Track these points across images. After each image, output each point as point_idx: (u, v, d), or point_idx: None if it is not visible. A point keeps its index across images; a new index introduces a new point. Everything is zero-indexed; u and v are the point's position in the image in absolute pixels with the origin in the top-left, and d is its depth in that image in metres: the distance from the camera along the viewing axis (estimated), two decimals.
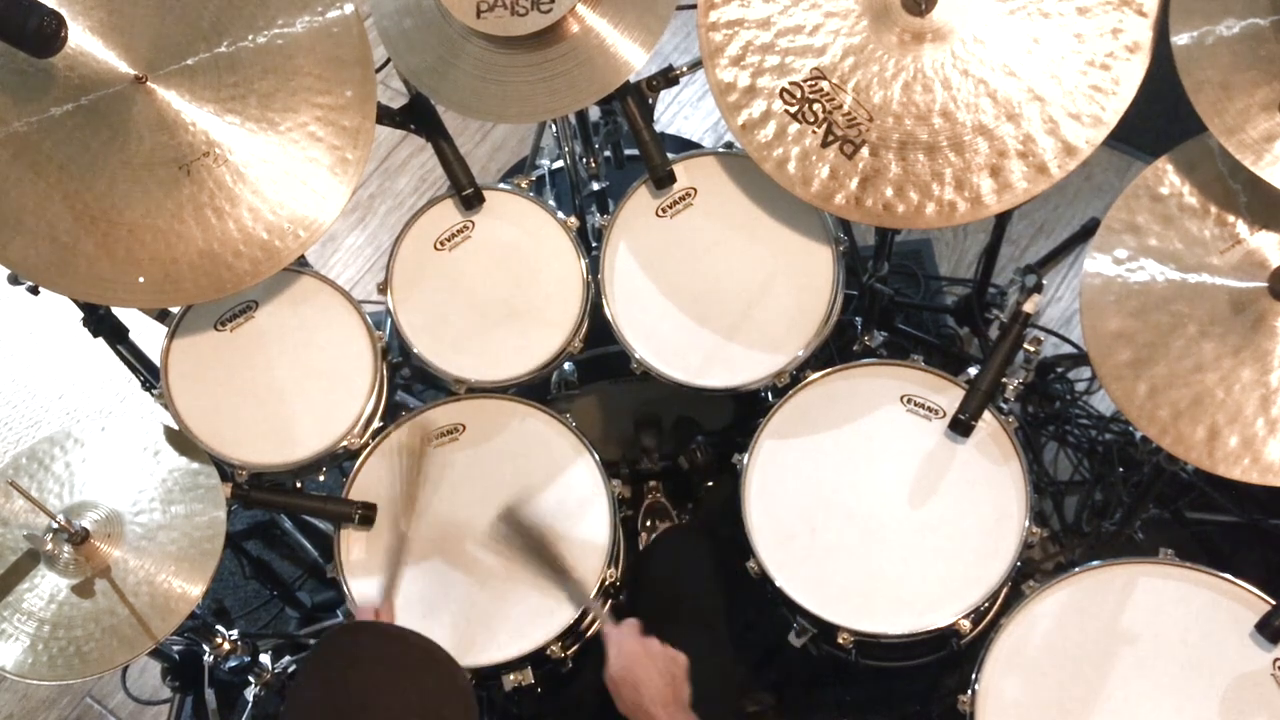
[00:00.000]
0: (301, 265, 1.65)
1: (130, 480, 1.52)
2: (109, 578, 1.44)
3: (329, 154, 1.42)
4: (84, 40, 1.36)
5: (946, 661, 1.47)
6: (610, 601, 1.54)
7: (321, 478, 1.67)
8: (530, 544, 1.44)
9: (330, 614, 2.02)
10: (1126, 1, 1.30)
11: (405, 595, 1.46)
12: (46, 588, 1.45)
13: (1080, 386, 2.10)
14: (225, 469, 1.56)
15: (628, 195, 1.64)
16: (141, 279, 1.39)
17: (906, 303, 2.24)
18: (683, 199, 1.62)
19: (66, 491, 1.52)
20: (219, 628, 1.70)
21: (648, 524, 1.80)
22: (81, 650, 1.41)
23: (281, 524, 2.18)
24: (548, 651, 1.45)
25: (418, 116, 1.64)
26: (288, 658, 1.81)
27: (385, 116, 1.57)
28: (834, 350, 1.78)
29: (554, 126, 1.95)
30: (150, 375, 1.80)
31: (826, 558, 1.42)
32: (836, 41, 1.38)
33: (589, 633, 1.51)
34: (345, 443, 1.56)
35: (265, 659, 1.78)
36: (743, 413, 1.89)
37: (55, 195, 1.37)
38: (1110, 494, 1.96)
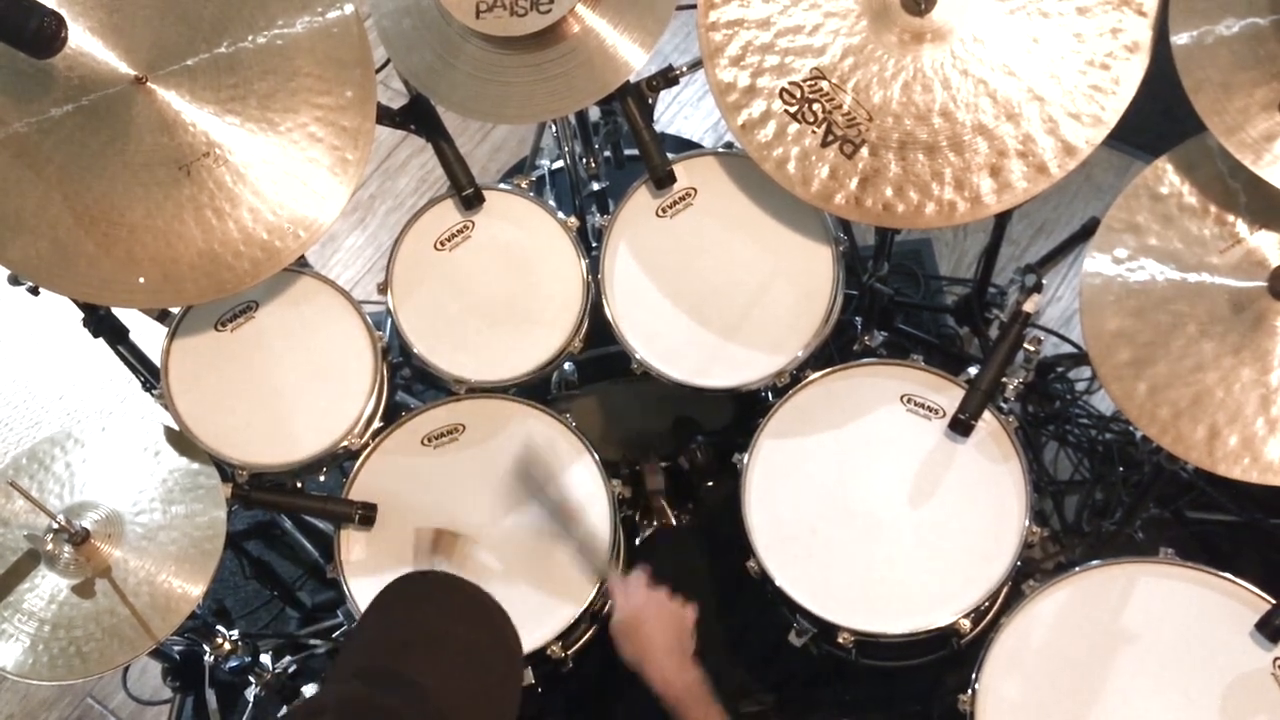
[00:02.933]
0: (301, 265, 1.65)
1: (130, 480, 1.52)
2: (109, 578, 1.44)
3: (329, 154, 1.42)
4: (84, 41, 1.36)
5: (946, 661, 1.47)
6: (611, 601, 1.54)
7: (322, 478, 1.67)
8: (541, 497, 1.43)
9: (330, 614, 2.02)
10: (1126, 1, 1.30)
11: None
12: (47, 588, 1.45)
13: (1080, 386, 2.10)
14: (225, 469, 1.56)
15: (628, 195, 1.64)
16: (141, 279, 1.39)
17: (906, 303, 2.23)
18: (683, 199, 1.62)
19: (67, 492, 1.52)
20: (219, 628, 1.70)
21: (647, 524, 1.80)
22: (82, 650, 1.41)
23: (282, 524, 2.18)
24: (548, 651, 1.45)
25: (418, 117, 1.64)
26: (288, 658, 1.82)
27: (385, 117, 1.57)
28: (834, 350, 1.78)
29: (554, 126, 1.95)
30: (150, 375, 1.80)
31: (826, 558, 1.42)
32: (836, 41, 1.38)
33: (589, 633, 1.52)
34: (345, 443, 1.56)
35: (266, 659, 1.78)
36: (743, 413, 1.89)
37: (55, 195, 1.37)
38: (1110, 494, 1.96)
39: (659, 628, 1.28)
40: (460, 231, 1.65)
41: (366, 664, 1.10)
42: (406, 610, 1.18)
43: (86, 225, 1.38)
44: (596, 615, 1.52)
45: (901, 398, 1.50)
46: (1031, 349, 1.46)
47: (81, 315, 1.65)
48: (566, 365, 1.85)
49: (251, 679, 1.77)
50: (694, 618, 1.30)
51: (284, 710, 1.80)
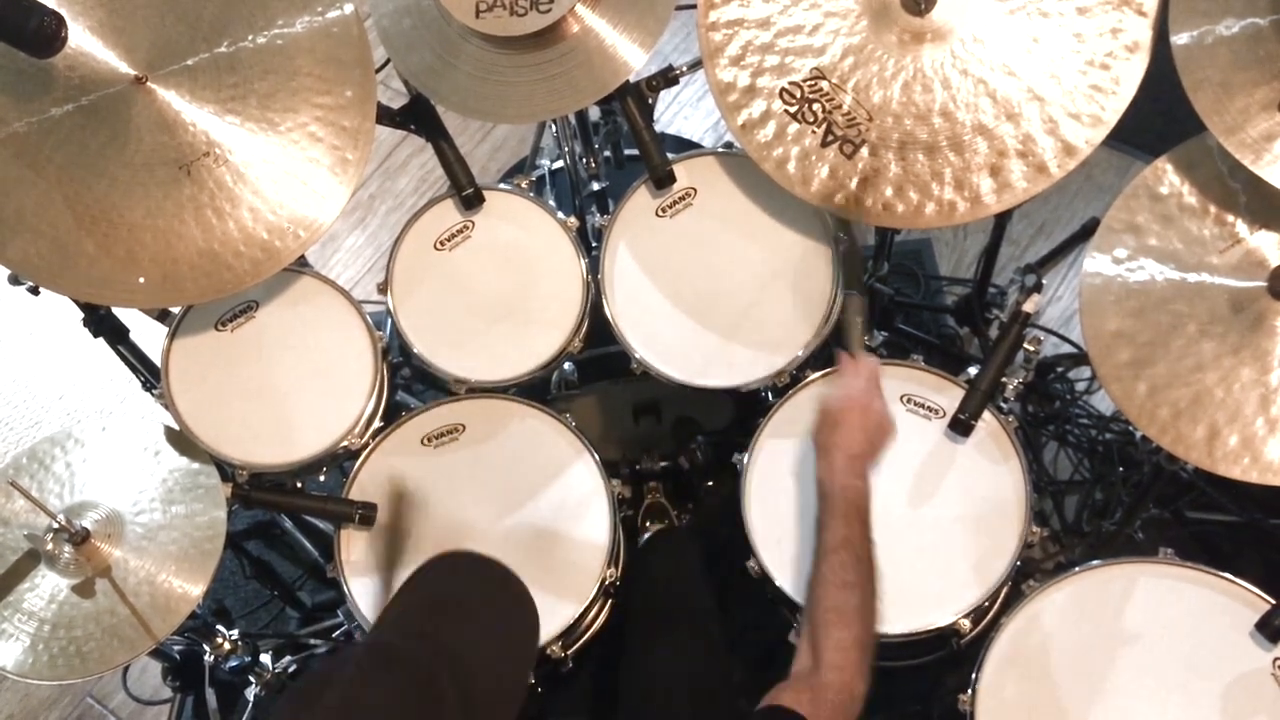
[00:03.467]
0: (301, 265, 1.65)
1: (131, 480, 1.52)
2: (109, 578, 1.44)
3: (329, 154, 1.42)
4: (84, 40, 1.36)
5: (946, 661, 1.47)
6: (611, 600, 1.54)
7: (322, 478, 1.67)
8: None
9: (330, 614, 2.02)
10: (1126, 1, 1.30)
11: None
12: (47, 588, 1.45)
13: (1080, 386, 2.10)
14: (225, 469, 1.56)
15: (628, 195, 1.64)
16: (141, 279, 1.39)
17: (906, 303, 2.24)
18: (683, 199, 1.62)
19: (67, 491, 1.52)
20: (219, 628, 1.70)
21: (647, 524, 1.80)
22: (82, 650, 1.41)
23: (282, 524, 2.18)
24: (548, 651, 1.45)
25: (418, 116, 1.64)
26: (288, 658, 1.81)
27: (385, 116, 1.57)
28: (834, 350, 1.78)
29: (554, 126, 1.95)
30: (151, 375, 1.80)
31: None
32: (836, 41, 1.38)
33: (589, 633, 1.52)
34: (345, 443, 1.56)
35: (266, 659, 1.78)
36: (743, 413, 1.89)
37: (55, 195, 1.37)
38: (1110, 494, 1.96)
39: (858, 425, 1.27)
40: (460, 231, 1.65)
41: (398, 622, 1.17)
42: (437, 581, 1.23)
43: (86, 225, 1.38)
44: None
45: (901, 398, 1.50)
46: (1031, 349, 1.46)
47: (81, 315, 1.65)
48: (566, 365, 1.85)
49: (251, 679, 1.77)
50: (893, 432, 1.30)
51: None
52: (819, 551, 1.22)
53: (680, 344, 1.57)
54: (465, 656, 1.07)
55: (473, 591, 1.22)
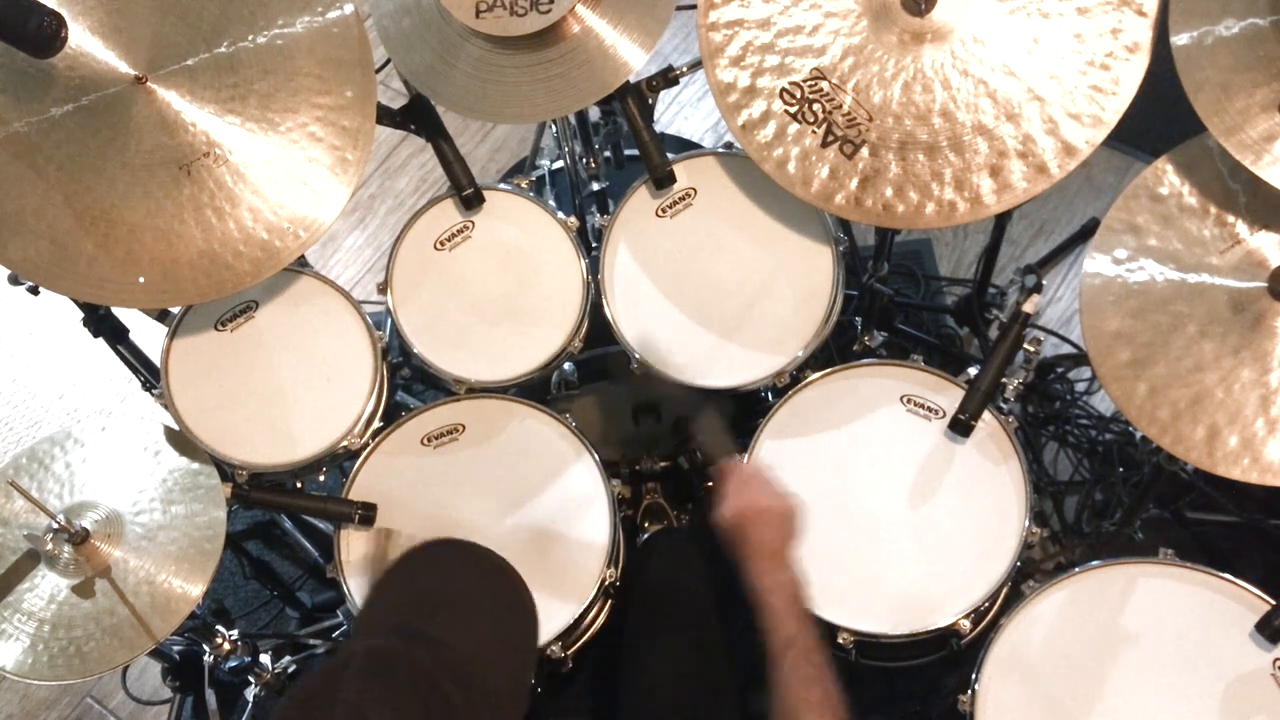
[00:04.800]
0: (301, 265, 1.65)
1: (130, 480, 1.52)
2: (109, 578, 1.44)
3: (329, 154, 1.42)
4: (84, 40, 1.36)
5: (946, 661, 1.47)
6: (611, 600, 1.54)
7: (321, 478, 1.67)
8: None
9: (330, 614, 2.02)
10: (1126, 1, 1.30)
11: None
12: (46, 588, 1.45)
13: (1080, 386, 2.10)
14: (225, 469, 1.56)
15: (628, 195, 1.64)
16: (141, 279, 1.39)
17: (906, 303, 2.24)
18: (683, 199, 1.62)
19: (66, 491, 1.52)
20: (219, 628, 1.70)
21: (646, 524, 1.80)
22: (81, 650, 1.41)
23: (281, 524, 2.18)
24: (548, 651, 1.45)
25: (418, 117, 1.64)
26: (288, 658, 1.81)
27: (385, 117, 1.57)
28: (834, 350, 1.78)
29: (554, 127, 1.95)
30: (150, 375, 1.80)
31: (826, 558, 1.42)
32: (836, 42, 1.38)
33: (588, 633, 1.52)
34: (345, 443, 1.56)
35: (265, 659, 1.77)
36: (743, 413, 1.89)
37: (55, 195, 1.37)
38: (1110, 494, 1.96)
39: (767, 523, 1.25)
40: (460, 231, 1.65)
41: (394, 622, 1.13)
42: (431, 573, 1.21)
43: (86, 225, 1.37)
44: (600, 610, 1.52)
45: (901, 398, 1.50)
46: (1031, 349, 1.46)
47: (81, 315, 1.65)
48: (566, 365, 1.85)
49: (251, 679, 1.77)
50: (799, 513, 1.28)
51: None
52: (770, 658, 1.20)
53: (680, 344, 1.57)
54: (468, 657, 1.06)
55: (469, 585, 1.20)
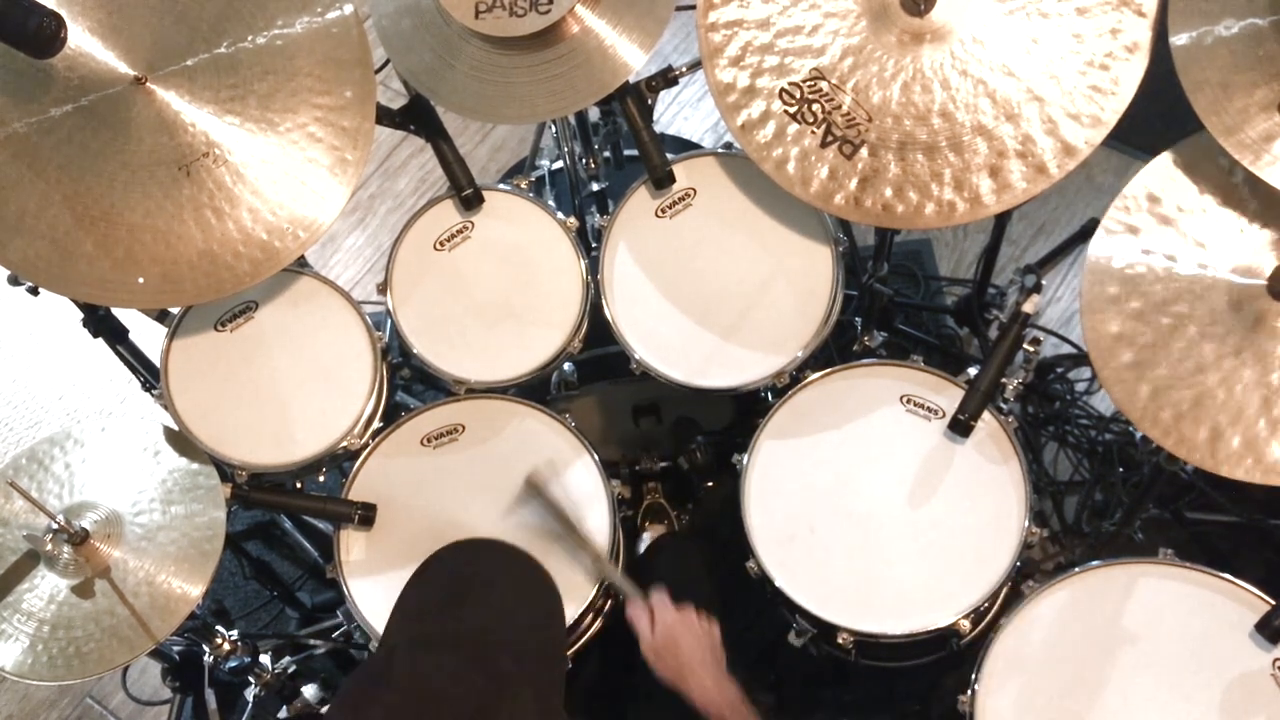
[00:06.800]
0: (301, 265, 1.65)
1: (130, 481, 1.52)
2: (109, 578, 1.44)
3: (329, 154, 1.42)
4: (84, 41, 1.36)
5: (946, 661, 1.47)
6: (611, 601, 1.54)
7: (321, 478, 1.67)
8: (553, 511, 1.45)
9: (330, 614, 2.02)
10: (1125, 1, 1.30)
11: None
12: (46, 588, 1.45)
13: (1080, 387, 2.10)
14: (225, 469, 1.56)
15: (628, 195, 1.64)
16: (141, 279, 1.39)
17: (906, 303, 2.24)
18: (682, 199, 1.62)
19: (66, 492, 1.52)
20: (219, 628, 1.70)
21: (646, 524, 1.80)
22: (81, 651, 1.41)
23: (281, 524, 2.18)
24: None
25: (417, 117, 1.64)
26: (288, 658, 1.81)
27: (385, 117, 1.57)
28: (834, 350, 1.78)
29: (554, 127, 1.95)
30: (150, 376, 1.80)
31: (826, 558, 1.42)
32: (835, 42, 1.38)
33: (589, 633, 1.52)
34: (345, 443, 1.56)
35: (265, 659, 1.77)
36: (743, 413, 1.89)
37: (55, 195, 1.37)
38: (1110, 494, 1.96)
39: (693, 645, 1.29)
40: (460, 232, 1.65)
41: (429, 612, 1.21)
42: (450, 569, 1.26)
43: (86, 225, 1.38)
44: (600, 611, 1.52)
45: (901, 398, 1.50)
46: (1031, 349, 1.46)
47: (81, 315, 1.65)
48: (566, 365, 1.85)
49: (251, 679, 1.77)
50: (719, 632, 1.33)
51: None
52: None
53: (680, 344, 1.57)
54: (503, 628, 1.11)
55: (490, 569, 1.25)
